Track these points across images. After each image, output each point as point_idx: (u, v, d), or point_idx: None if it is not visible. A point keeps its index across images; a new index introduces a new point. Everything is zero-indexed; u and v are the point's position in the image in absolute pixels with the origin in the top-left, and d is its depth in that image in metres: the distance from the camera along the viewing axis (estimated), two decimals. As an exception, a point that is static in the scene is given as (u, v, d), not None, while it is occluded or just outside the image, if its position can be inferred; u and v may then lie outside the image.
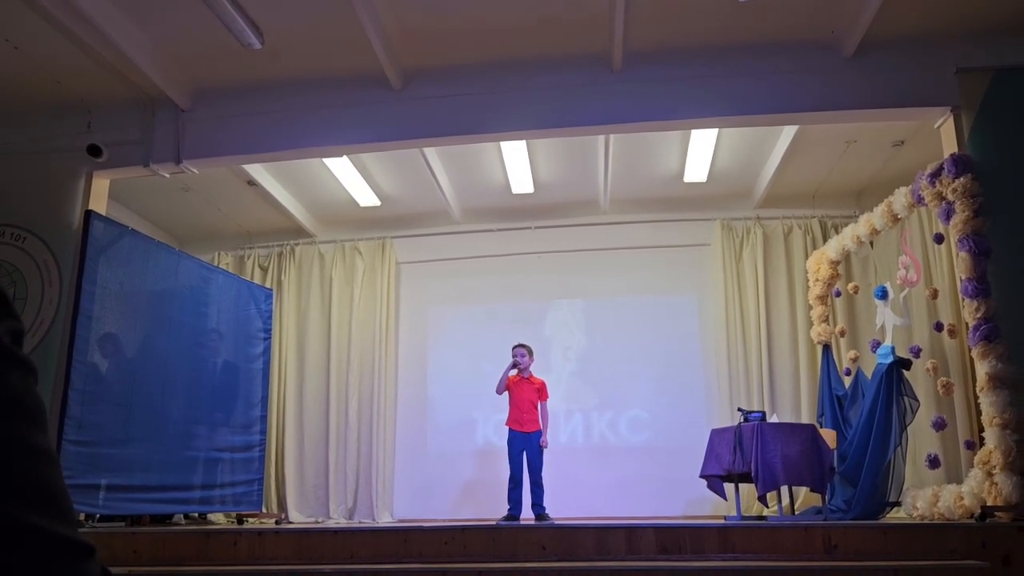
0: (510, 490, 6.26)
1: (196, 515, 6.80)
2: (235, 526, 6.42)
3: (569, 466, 7.82)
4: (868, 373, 6.32)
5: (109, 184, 6.34)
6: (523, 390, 6.48)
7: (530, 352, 6.63)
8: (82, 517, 5.36)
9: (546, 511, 6.19)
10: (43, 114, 6.20)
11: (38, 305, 5.75)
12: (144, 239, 6.33)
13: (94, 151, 5.98)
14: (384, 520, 7.83)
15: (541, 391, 6.55)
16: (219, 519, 7.11)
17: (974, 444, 5.34)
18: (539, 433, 6.40)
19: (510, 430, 6.43)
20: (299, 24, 5.44)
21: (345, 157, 7.00)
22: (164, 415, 6.13)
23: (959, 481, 5.16)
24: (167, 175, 6.37)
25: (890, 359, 5.81)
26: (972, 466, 4.96)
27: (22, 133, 6.20)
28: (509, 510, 6.20)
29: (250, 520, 7.09)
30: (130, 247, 6.05)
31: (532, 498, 6.24)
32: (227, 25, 5.19)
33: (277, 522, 7.38)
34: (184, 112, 6.18)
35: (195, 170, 6.33)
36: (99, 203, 6.12)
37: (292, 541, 4.51)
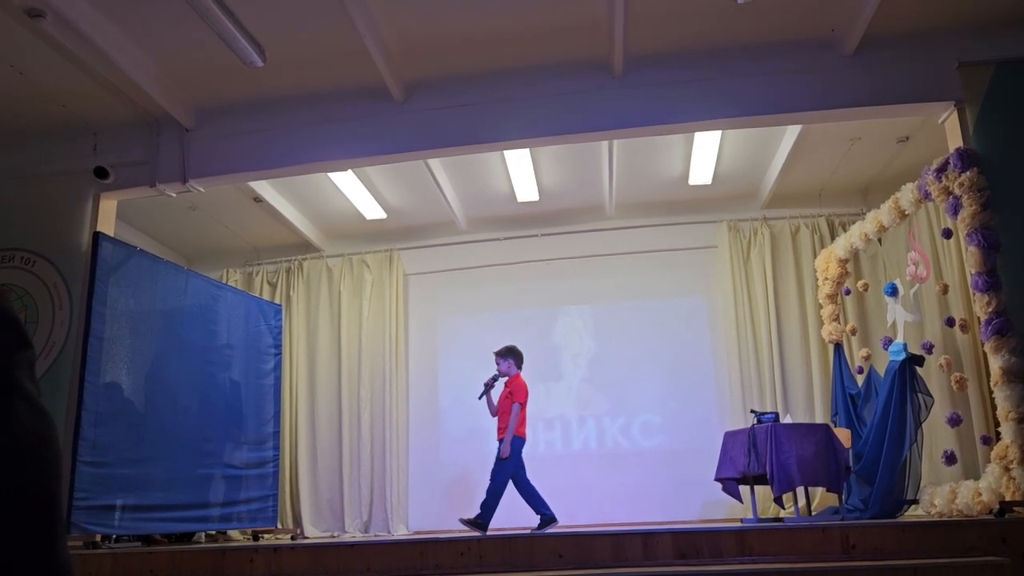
0: (534, 496, 6.01)
1: (214, 532, 6.80)
2: (251, 542, 6.42)
3: (583, 472, 7.80)
4: (880, 371, 6.28)
5: (116, 205, 6.38)
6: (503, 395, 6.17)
7: (503, 355, 6.30)
8: (98, 538, 5.37)
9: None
10: (49, 138, 6.25)
11: (49, 328, 5.78)
12: (152, 259, 6.36)
13: (101, 173, 6.02)
14: (399, 532, 7.82)
15: (512, 393, 6.14)
16: (234, 535, 7.11)
17: (990, 439, 5.30)
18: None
19: (521, 439, 6.10)
20: (300, 40, 5.46)
21: (350, 171, 7.02)
22: (177, 434, 6.14)
23: (976, 477, 5.13)
24: (174, 194, 6.40)
25: (902, 356, 5.78)
26: (989, 461, 4.92)
27: (29, 157, 6.24)
28: (548, 515, 5.88)
29: (265, 536, 7.09)
30: (139, 267, 6.08)
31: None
32: (228, 44, 5.23)
33: (293, 537, 7.37)
34: (188, 131, 6.22)
35: (201, 188, 6.36)
36: (107, 224, 6.16)
37: (308, 556, 4.51)
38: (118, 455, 5.52)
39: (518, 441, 6.06)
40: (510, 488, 6.01)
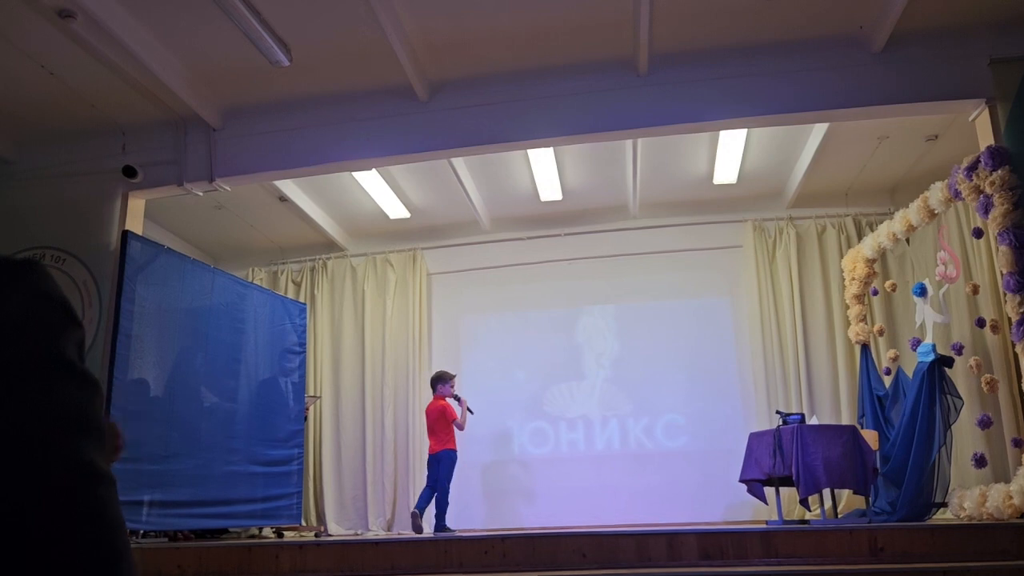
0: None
1: (239, 530, 6.85)
2: (277, 539, 6.46)
3: (606, 473, 7.78)
4: (909, 372, 6.21)
5: (144, 204, 6.45)
6: None
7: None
8: (126, 533, 5.43)
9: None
10: (79, 137, 6.33)
11: (79, 325, 5.84)
12: (180, 257, 6.42)
13: (129, 172, 6.08)
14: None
15: None
16: (255, 531, 7.16)
17: (1022, 442, 5.22)
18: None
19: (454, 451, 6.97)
20: (325, 39, 5.49)
21: (374, 170, 7.05)
22: (203, 431, 6.20)
23: (1007, 480, 5.05)
24: (200, 193, 6.46)
25: (931, 357, 5.70)
26: (1020, 464, 4.85)
27: (59, 157, 6.33)
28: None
29: (289, 533, 7.13)
30: (166, 266, 6.14)
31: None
32: (255, 43, 5.27)
33: (317, 535, 7.42)
34: (215, 131, 6.27)
35: (228, 187, 6.42)
36: (135, 223, 6.22)
37: (333, 553, 4.53)
38: (145, 451, 5.58)
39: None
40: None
